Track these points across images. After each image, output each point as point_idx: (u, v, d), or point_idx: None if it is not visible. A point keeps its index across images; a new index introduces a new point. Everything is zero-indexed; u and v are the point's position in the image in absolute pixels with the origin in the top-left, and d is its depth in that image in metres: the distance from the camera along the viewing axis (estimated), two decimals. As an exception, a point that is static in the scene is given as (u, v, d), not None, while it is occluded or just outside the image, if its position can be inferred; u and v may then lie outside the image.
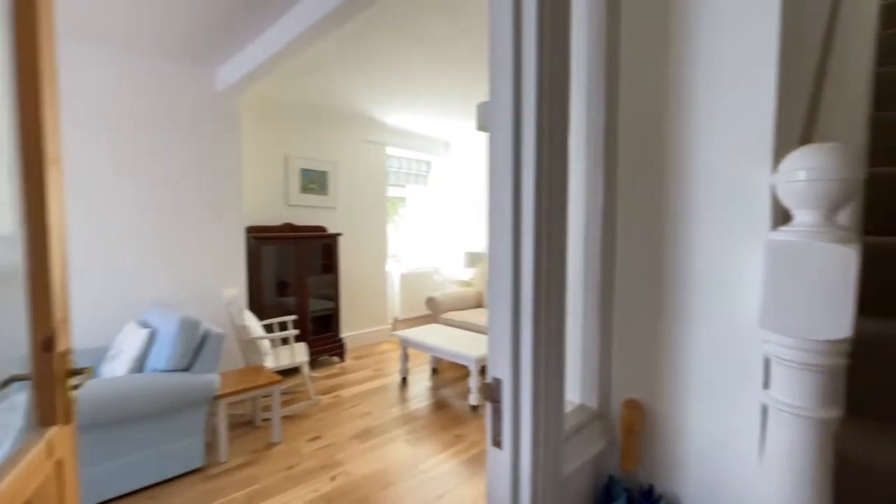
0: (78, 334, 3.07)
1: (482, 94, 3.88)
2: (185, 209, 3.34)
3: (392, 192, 5.66)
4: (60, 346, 0.91)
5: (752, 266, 0.88)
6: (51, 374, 0.88)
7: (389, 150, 5.39)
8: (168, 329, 2.39)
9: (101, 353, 2.65)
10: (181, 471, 2.36)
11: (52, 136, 0.92)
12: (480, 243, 5.72)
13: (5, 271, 0.96)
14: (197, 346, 2.45)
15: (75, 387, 0.92)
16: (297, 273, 4.18)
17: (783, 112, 0.85)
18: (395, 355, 4.68)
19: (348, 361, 4.50)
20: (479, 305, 5.10)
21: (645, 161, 1.05)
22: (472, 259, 5.55)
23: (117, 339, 2.58)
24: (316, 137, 4.60)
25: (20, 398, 0.98)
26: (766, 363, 0.84)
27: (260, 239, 3.88)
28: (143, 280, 3.16)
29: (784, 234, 0.73)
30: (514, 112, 0.82)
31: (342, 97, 4.24)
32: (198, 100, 3.38)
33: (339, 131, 4.78)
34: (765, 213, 0.86)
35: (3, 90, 0.89)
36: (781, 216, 0.84)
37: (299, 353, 3.32)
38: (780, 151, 0.83)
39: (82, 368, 0.94)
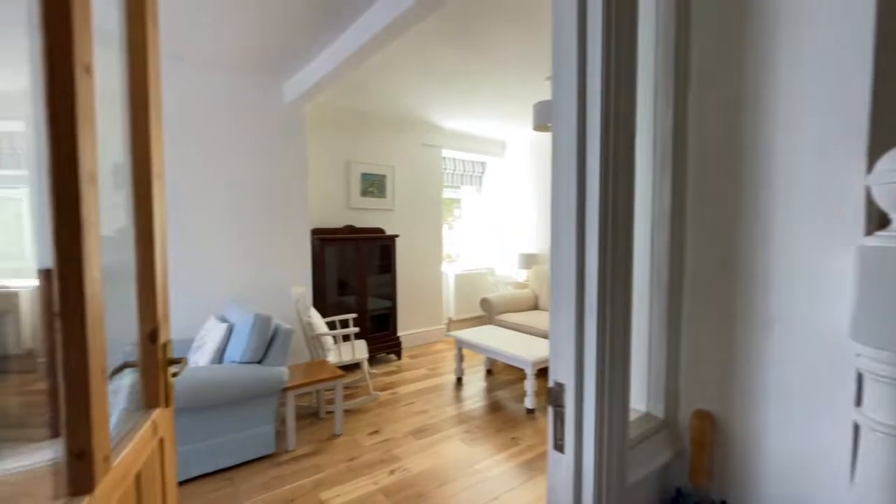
0: (172, 326, 3.43)
1: (540, 94, 3.83)
2: (258, 213, 3.61)
3: (447, 193, 5.73)
4: (162, 338, 1.02)
5: (841, 272, 0.81)
6: (155, 363, 1.00)
7: (445, 153, 5.47)
8: (244, 324, 2.60)
9: (187, 345, 2.92)
10: (254, 456, 2.56)
11: (157, 153, 1.04)
12: (535, 245, 5.64)
13: (108, 269, 1.09)
14: (268, 341, 2.64)
15: (174, 374, 1.03)
16: (357, 273, 4.36)
17: (879, 106, 0.78)
18: (450, 355, 4.74)
19: (404, 360, 4.62)
20: (534, 307, 5.04)
21: (717, 161, 1.00)
22: (527, 260, 5.48)
23: (201, 332, 2.84)
24: (375, 142, 4.77)
25: (123, 382, 1.12)
26: (859, 378, 0.78)
27: (324, 240, 4.09)
28: (222, 278, 3.45)
29: (880, 239, 0.67)
30: (579, 112, 0.82)
31: (401, 103, 4.37)
32: (269, 111, 3.63)
33: (396, 136, 4.93)
34: (857, 216, 0.79)
35: (115, 112, 1.02)
36: (877, 220, 0.77)
37: (360, 350, 3.46)
38: (876, 149, 0.76)
39: (179, 358, 1.05)
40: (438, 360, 4.62)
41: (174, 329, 3.29)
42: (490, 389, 3.76)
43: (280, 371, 2.60)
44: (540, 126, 3.64)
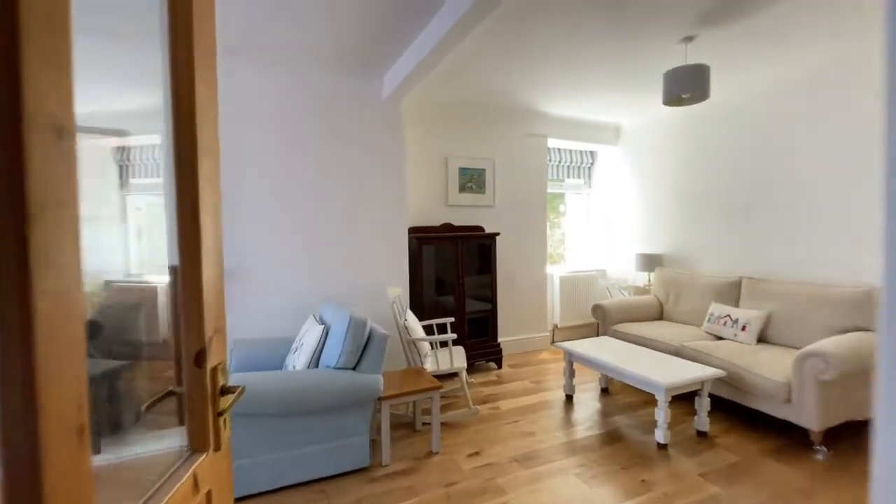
0: (270, 325, 3.48)
1: (672, 61, 3.18)
2: (356, 211, 3.52)
3: (552, 187, 5.22)
4: (213, 361, 0.78)
5: None
6: (202, 394, 0.76)
7: (551, 143, 4.97)
8: (339, 326, 2.45)
9: (287, 344, 2.89)
10: (348, 468, 2.39)
11: (209, 128, 0.81)
12: (660, 244, 4.86)
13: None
14: (363, 345, 2.46)
15: (222, 412, 0.79)
16: (455, 274, 4.09)
17: None
18: (556, 367, 4.25)
19: (505, 369, 4.24)
20: (658, 317, 4.31)
21: None
22: (648, 262, 4.73)
23: (300, 332, 2.78)
24: (474, 135, 4.47)
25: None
26: None
27: (421, 239, 3.90)
28: (321, 277, 3.42)
29: None
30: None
31: (500, 92, 4.00)
32: (366, 108, 3.52)
33: (497, 126, 4.57)
34: None
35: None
36: None
37: (458, 358, 3.17)
38: None
39: (234, 387, 0.81)
40: (543, 372, 4.16)
41: (275, 326, 3.42)
42: (607, 413, 3.21)
43: (375, 379, 2.40)
44: (674, 100, 3.01)
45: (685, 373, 2.69)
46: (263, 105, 3.21)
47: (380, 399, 2.46)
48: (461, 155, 4.40)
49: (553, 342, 5.09)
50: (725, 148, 4.07)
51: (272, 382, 2.21)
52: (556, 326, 5.20)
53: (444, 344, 3.44)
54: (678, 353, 3.32)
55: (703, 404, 2.77)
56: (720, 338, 3.52)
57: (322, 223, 3.42)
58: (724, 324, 3.50)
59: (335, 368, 2.37)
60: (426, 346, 3.14)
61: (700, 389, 2.75)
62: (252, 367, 2.77)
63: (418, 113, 4.11)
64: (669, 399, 2.61)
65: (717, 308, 3.65)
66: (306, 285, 3.37)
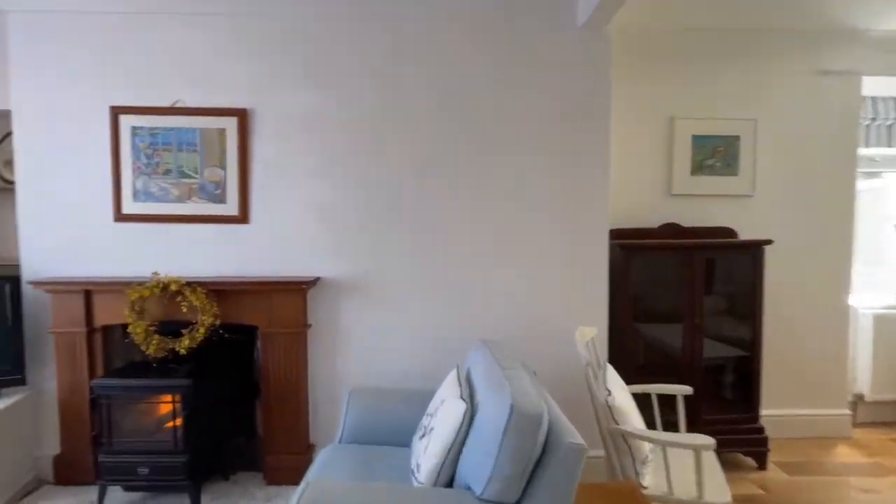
0: (400, 367, 2.20)
1: None
2: (527, 205, 2.35)
3: (864, 165, 3.10)
4: None
5: None
6: None
7: (868, 85, 2.88)
8: (492, 415, 1.32)
9: (420, 403, 1.90)
10: None
11: None
12: None
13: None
14: (536, 460, 1.27)
15: None
16: (685, 301, 2.55)
17: None
18: (872, 481, 2.29)
19: (773, 473, 2.50)
20: None
21: None
22: None
23: (436, 398, 1.76)
24: (721, 83, 2.81)
25: None
26: None
27: (628, 248, 2.50)
28: (473, 303, 2.36)
29: None
30: None
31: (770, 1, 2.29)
32: (549, 42, 2.31)
33: (762, 64, 2.80)
34: None
35: None
36: None
37: (714, 480, 1.69)
38: None
39: None
40: (844, 489, 2.28)
41: (405, 372, 2.20)
42: None
43: (556, 536, 1.20)
44: None
45: None
46: (402, 46, 2.30)
47: (565, 568, 1.24)
48: (697, 115, 2.80)
49: (857, 424, 3.01)
50: None
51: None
52: (859, 398, 3.08)
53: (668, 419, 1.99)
54: None
55: None
56: None
57: (478, 224, 2.35)
58: None
59: (481, 501, 1.25)
60: (645, 449, 1.76)
61: None
62: (370, 437, 1.89)
63: (627, 50, 2.68)
64: None
65: None
66: (450, 315, 2.37)
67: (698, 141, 2.81)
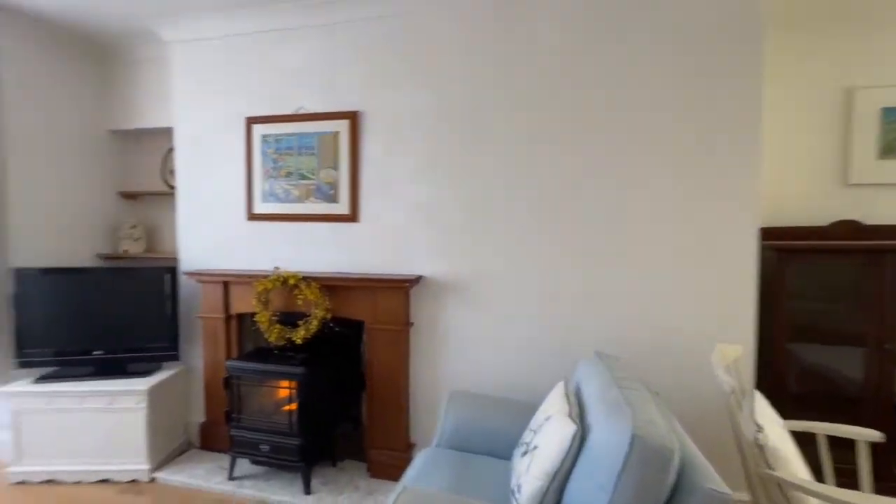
0: (503, 372, 2.06)
1: None
2: (652, 194, 2.04)
3: None
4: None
5: None
6: None
7: None
8: (607, 444, 1.13)
9: (522, 414, 1.75)
10: None
11: None
12: None
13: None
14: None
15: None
16: (868, 321, 2.00)
17: None
18: None
19: None
20: None
21: None
22: None
23: (540, 411, 1.60)
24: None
25: None
26: None
27: (786, 251, 2.04)
28: (588, 307, 2.13)
29: None
30: None
31: None
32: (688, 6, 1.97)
33: None
34: None
35: None
36: None
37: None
38: None
39: None
40: None
41: (509, 378, 2.05)
42: None
43: None
44: None
45: None
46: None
47: None
48: (886, 83, 2.19)
49: None
50: None
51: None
52: None
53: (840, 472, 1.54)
54: None
55: None
56: None
57: (592, 220, 2.12)
58: None
59: (592, 543, 1.07)
60: (810, 501, 1.38)
61: None
62: (467, 444, 1.80)
63: (787, 7, 2.19)
64: None
65: None
66: (559, 322, 2.16)
67: (890, 115, 2.19)
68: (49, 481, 2.33)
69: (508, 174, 2.21)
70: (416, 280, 2.30)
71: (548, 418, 1.43)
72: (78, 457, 2.33)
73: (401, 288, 2.27)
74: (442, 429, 1.88)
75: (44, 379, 2.39)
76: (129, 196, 3.11)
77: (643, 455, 1.03)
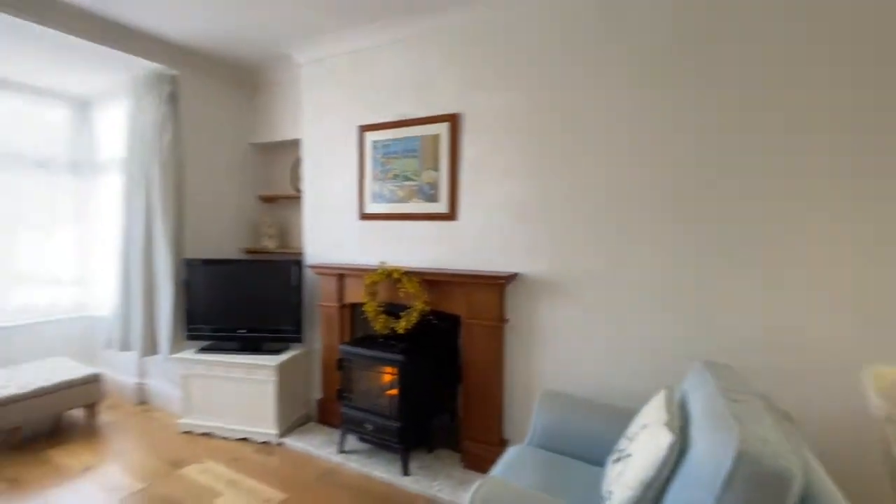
0: (599, 374, 2.05)
1: None
2: (814, 194, 1.77)
3: None
4: None
5: None
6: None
7: None
8: (708, 451, 1.04)
9: (618, 420, 1.66)
10: None
11: None
12: None
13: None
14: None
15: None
16: None
17: None
18: None
19: None
20: None
21: None
22: None
23: (641, 415, 1.50)
24: None
25: None
26: None
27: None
28: (697, 314, 1.92)
29: None
30: None
31: None
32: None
33: None
34: None
35: None
36: None
37: None
38: None
39: None
40: None
41: (604, 380, 2.04)
42: None
43: None
44: None
45: None
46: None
47: None
48: None
49: None
50: None
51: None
52: None
53: None
54: None
55: None
56: None
57: (707, 213, 1.91)
58: None
59: (688, 563, 0.98)
60: None
61: None
62: (560, 446, 1.76)
63: None
64: None
65: None
66: (666, 327, 1.99)
67: None
68: (206, 434, 2.84)
69: (607, 173, 2.10)
70: (512, 277, 2.31)
71: (644, 426, 1.35)
72: (226, 417, 2.81)
73: (495, 284, 2.30)
74: (534, 427, 1.87)
75: (204, 350, 2.93)
76: (267, 199, 3.63)
77: (751, 475, 0.92)
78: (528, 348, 2.35)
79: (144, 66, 2.90)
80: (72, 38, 2.50)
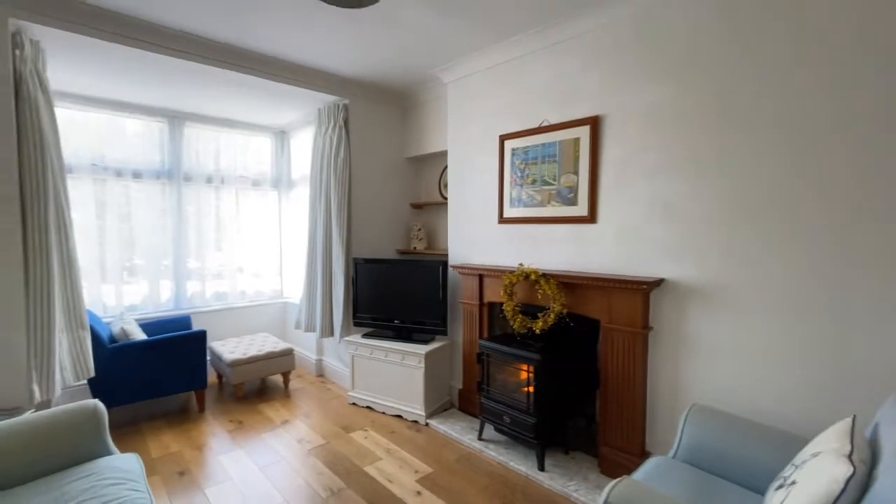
0: (764, 400, 1.92)
1: None
2: None
3: None
4: None
5: None
6: None
7: None
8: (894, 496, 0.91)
9: (782, 445, 1.49)
10: None
11: None
12: None
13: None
14: None
15: None
16: None
17: None
18: None
19: None
20: None
21: None
22: None
23: (814, 442, 1.34)
24: None
25: None
26: None
27: None
28: (884, 333, 1.59)
29: None
30: None
31: None
32: None
33: None
34: None
35: None
36: None
37: None
38: None
39: None
40: None
41: (766, 398, 1.93)
42: None
43: None
44: None
45: None
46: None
47: None
48: None
49: None
50: None
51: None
52: None
53: None
54: None
55: None
56: None
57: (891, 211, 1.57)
58: None
59: None
60: None
61: None
62: (708, 464, 1.65)
63: None
64: None
65: None
66: (844, 345, 1.67)
67: None
68: (367, 407, 3.34)
69: (767, 169, 1.86)
70: (657, 283, 2.21)
71: (816, 454, 1.21)
72: (384, 394, 3.26)
73: (638, 290, 2.22)
74: (679, 441, 1.78)
75: (367, 335, 3.44)
76: (417, 206, 4.06)
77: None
78: (674, 358, 2.21)
79: (324, 98, 3.54)
80: (281, 85, 3.21)
